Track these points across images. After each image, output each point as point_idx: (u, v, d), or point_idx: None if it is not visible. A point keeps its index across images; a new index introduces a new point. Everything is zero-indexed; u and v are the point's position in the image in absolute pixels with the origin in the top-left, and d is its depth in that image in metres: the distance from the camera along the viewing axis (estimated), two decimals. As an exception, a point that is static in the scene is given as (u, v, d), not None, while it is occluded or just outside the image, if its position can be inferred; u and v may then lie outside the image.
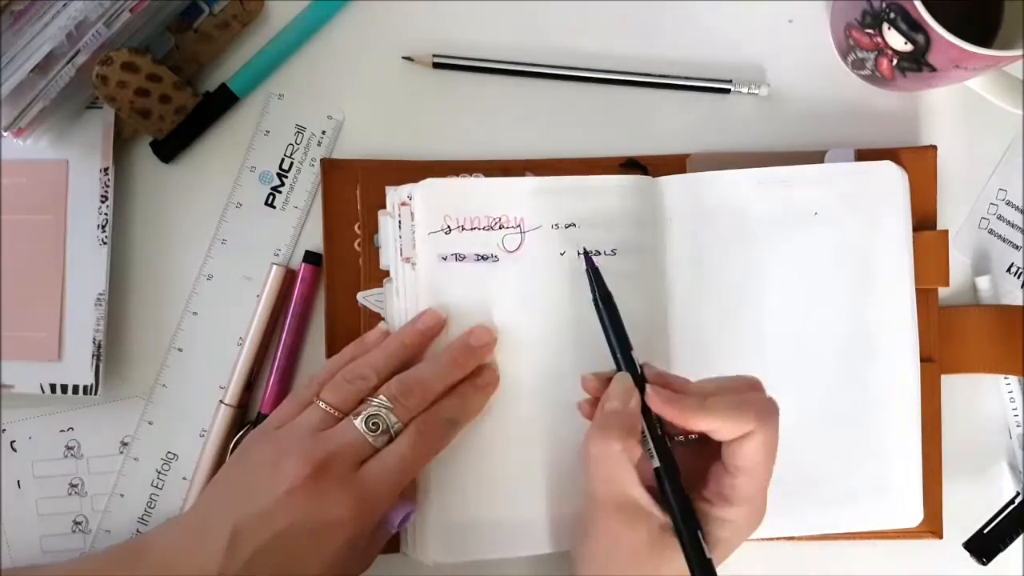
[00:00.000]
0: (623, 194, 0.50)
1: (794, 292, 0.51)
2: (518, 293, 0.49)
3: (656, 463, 0.42)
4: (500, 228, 0.49)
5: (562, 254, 0.50)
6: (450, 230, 0.49)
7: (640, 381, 0.44)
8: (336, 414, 0.44)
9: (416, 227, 0.49)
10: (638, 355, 0.45)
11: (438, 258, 0.49)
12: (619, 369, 0.44)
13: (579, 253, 0.48)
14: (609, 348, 0.45)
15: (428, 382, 0.46)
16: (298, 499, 0.42)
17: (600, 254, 0.50)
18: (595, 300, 0.45)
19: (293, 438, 0.44)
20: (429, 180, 0.49)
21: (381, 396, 0.44)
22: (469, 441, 0.48)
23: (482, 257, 0.49)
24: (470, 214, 0.49)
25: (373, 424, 0.44)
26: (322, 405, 0.45)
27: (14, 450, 0.53)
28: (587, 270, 0.46)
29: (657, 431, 0.43)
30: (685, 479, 0.42)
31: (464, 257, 0.49)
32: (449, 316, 0.48)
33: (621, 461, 0.41)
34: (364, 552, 0.47)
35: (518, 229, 0.49)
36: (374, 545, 0.48)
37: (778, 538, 0.52)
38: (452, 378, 0.46)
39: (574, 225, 0.50)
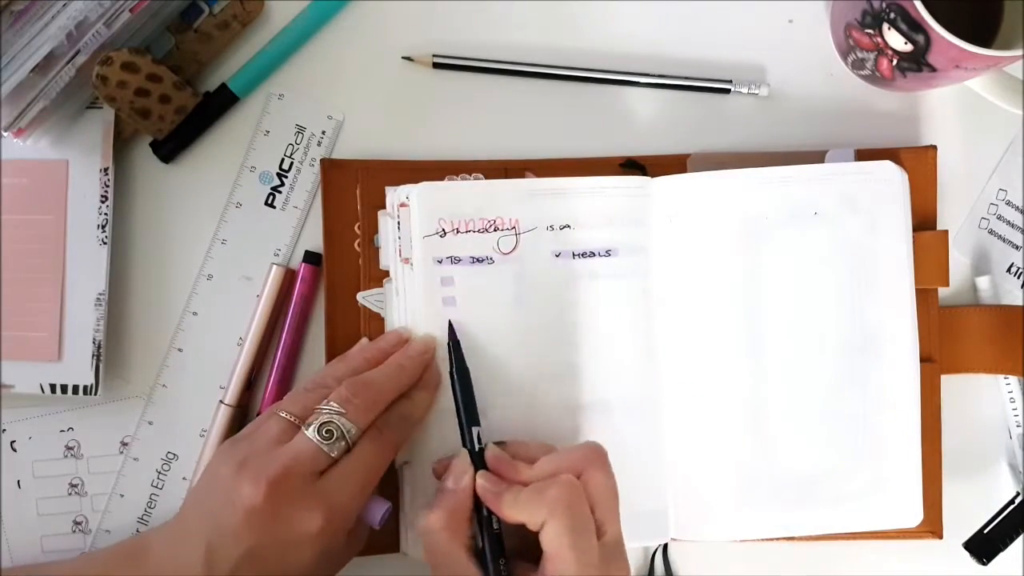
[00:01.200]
0: (618, 195, 0.50)
1: (794, 292, 0.51)
2: (513, 295, 0.49)
3: (480, 544, 0.43)
4: (495, 230, 0.49)
5: (557, 256, 0.50)
6: (444, 233, 0.49)
7: (482, 460, 0.45)
8: (295, 421, 0.44)
9: (412, 230, 0.49)
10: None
11: (433, 261, 0.49)
12: (464, 443, 0.46)
13: (449, 323, 0.48)
14: (459, 423, 0.46)
15: (376, 383, 0.46)
16: (258, 519, 0.42)
17: (594, 255, 0.50)
18: (451, 373, 0.47)
19: (252, 453, 0.43)
20: (423, 183, 0.49)
21: (331, 402, 0.44)
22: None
23: (477, 260, 0.49)
24: (465, 217, 0.49)
25: (327, 432, 0.43)
26: (283, 414, 0.45)
27: (14, 450, 0.53)
28: (448, 343, 0.48)
29: (484, 511, 0.44)
30: (534, 558, 0.43)
31: (459, 260, 0.49)
32: (443, 320, 0.48)
33: (444, 538, 0.43)
34: (346, 548, 0.47)
35: (513, 231, 0.49)
36: (355, 540, 0.48)
37: (778, 538, 0.52)
38: (400, 382, 0.47)
39: (569, 227, 0.50)
